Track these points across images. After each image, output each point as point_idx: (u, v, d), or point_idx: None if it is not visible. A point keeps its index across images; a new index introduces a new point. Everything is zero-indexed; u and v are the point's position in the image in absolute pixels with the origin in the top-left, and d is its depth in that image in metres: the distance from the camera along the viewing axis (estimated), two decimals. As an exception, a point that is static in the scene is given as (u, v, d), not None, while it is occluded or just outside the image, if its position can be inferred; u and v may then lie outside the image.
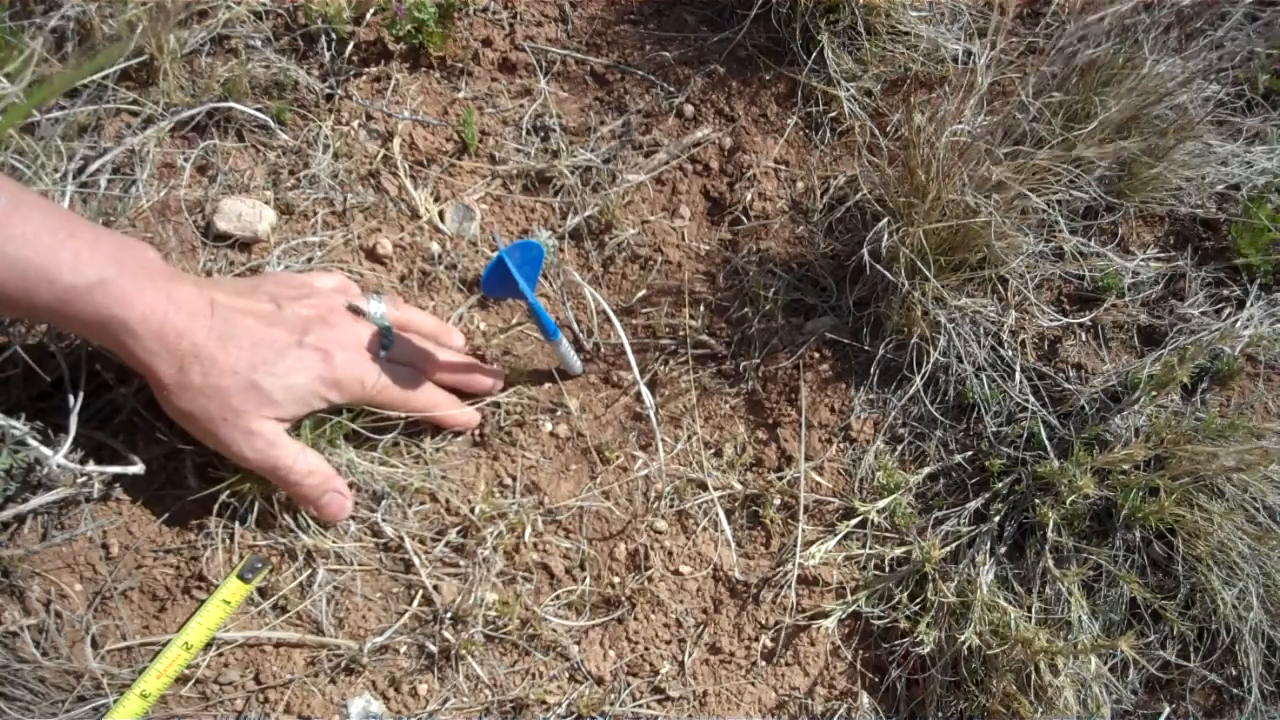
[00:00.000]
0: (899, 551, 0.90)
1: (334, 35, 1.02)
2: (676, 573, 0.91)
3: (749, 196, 1.01)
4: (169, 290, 0.75)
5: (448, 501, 0.90)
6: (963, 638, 0.83)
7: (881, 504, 0.91)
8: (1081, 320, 0.96)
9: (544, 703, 0.85)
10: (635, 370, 0.90)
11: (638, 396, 0.97)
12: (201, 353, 0.75)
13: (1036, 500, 0.88)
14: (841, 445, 0.95)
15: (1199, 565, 0.85)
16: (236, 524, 0.85)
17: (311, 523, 0.86)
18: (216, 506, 0.84)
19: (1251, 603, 0.84)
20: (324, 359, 0.80)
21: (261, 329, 0.78)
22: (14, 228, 0.68)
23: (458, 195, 1.01)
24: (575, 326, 0.97)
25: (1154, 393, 0.90)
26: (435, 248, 0.99)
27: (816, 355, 0.96)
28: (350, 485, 0.86)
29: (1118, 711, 0.87)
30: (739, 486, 0.93)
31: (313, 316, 0.81)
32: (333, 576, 0.86)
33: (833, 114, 1.03)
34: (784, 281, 0.98)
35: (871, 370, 0.95)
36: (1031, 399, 0.93)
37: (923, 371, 0.93)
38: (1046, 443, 0.90)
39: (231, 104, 0.97)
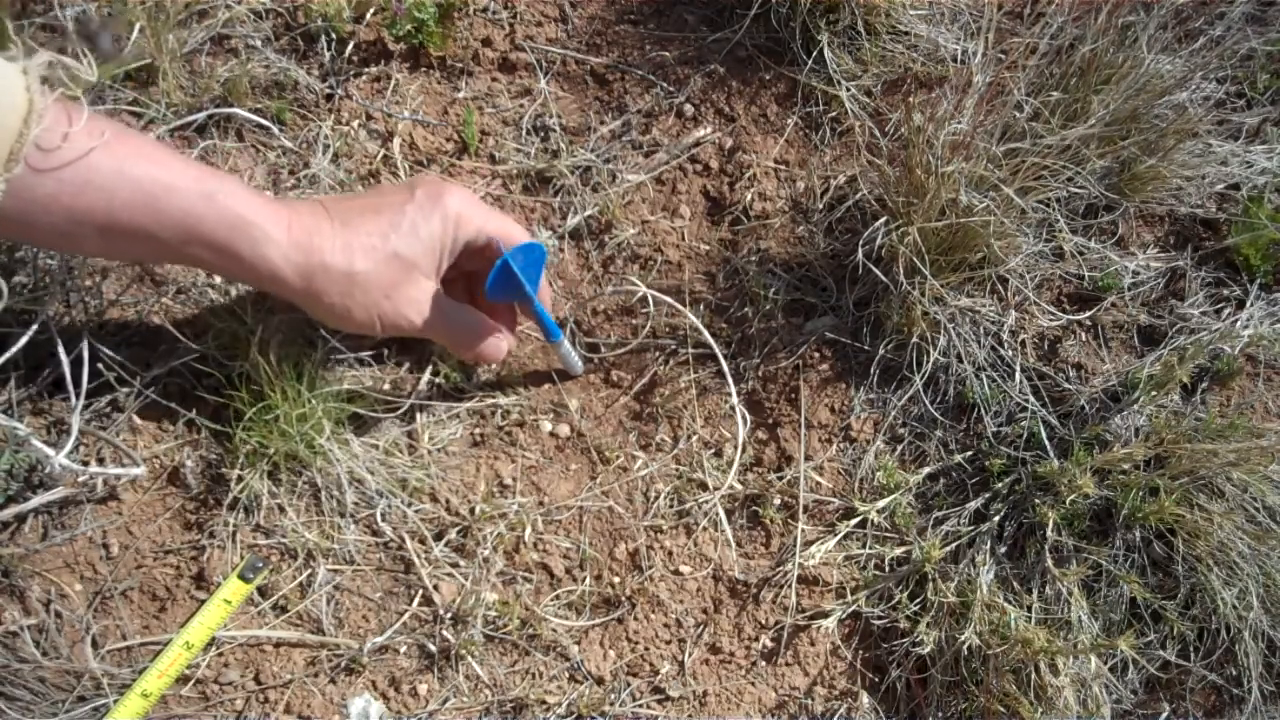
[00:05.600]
0: (899, 551, 0.90)
1: (334, 35, 1.02)
2: (676, 573, 0.91)
3: (749, 196, 1.01)
4: (284, 200, 0.75)
5: (448, 501, 0.90)
6: (963, 638, 0.83)
7: (881, 504, 0.91)
8: (1081, 320, 0.96)
9: (544, 703, 0.85)
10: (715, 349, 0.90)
11: (638, 396, 0.97)
12: (338, 237, 0.75)
13: (1036, 500, 0.88)
14: (841, 445, 0.95)
15: (1199, 565, 0.85)
16: (237, 523, 0.85)
17: (311, 523, 0.87)
18: (228, 501, 0.85)
19: (1251, 603, 0.84)
20: (437, 200, 0.79)
21: (373, 199, 0.79)
22: (128, 151, 0.68)
23: (458, 195, 1.01)
24: (576, 327, 0.97)
25: (1154, 392, 0.90)
26: (435, 248, 0.99)
27: (816, 355, 0.96)
28: (350, 483, 0.87)
29: (1118, 711, 0.87)
30: (739, 486, 0.93)
31: (415, 179, 0.83)
32: (333, 576, 0.86)
33: (833, 114, 1.03)
34: (784, 281, 0.98)
35: (871, 370, 0.95)
36: (1031, 399, 0.93)
37: (923, 371, 0.93)
38: (1046, 443, 0.90)
39: (234, 109, 0.97)
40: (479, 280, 0.85)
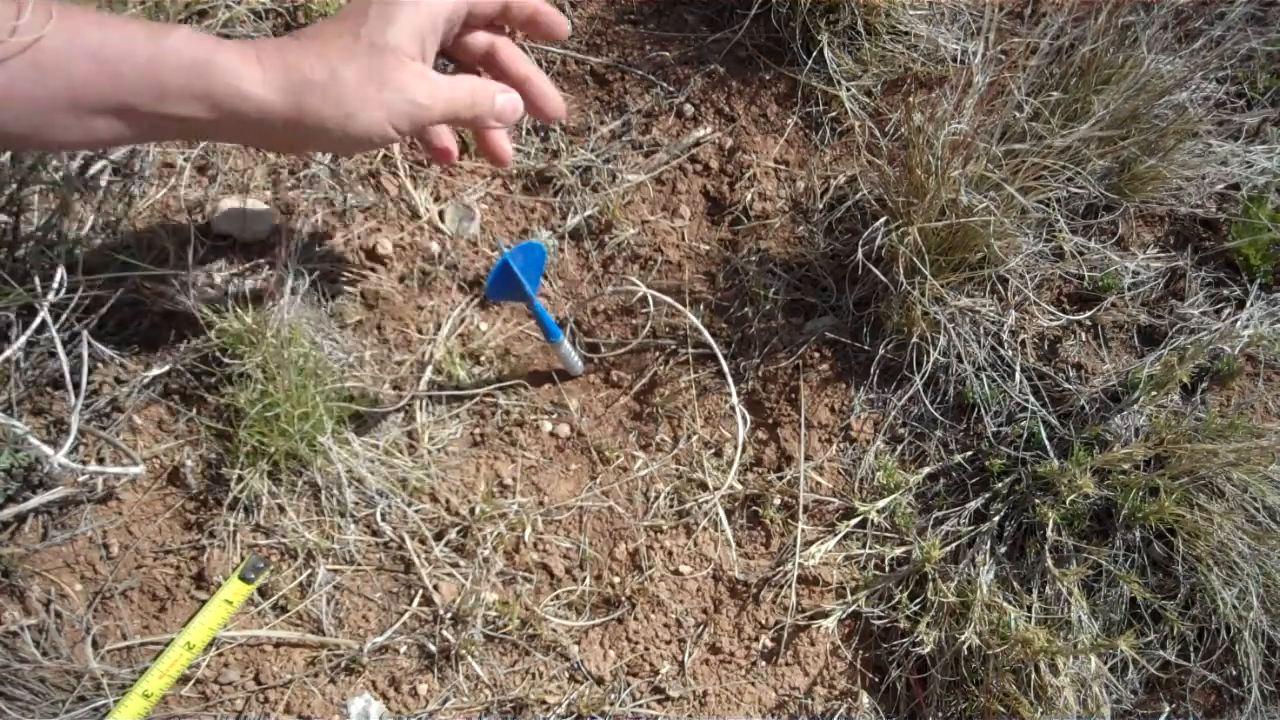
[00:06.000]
0: (899, 551, 0.90)
1: (334, 35, 1.02)
2: (676, 573, 0.91)
3: (749, 196, 1.01)
4: (242, 39, 0.69)
5: (448, 501, 0.90)
6: (963, 638, 0.83)
7: (881, 504, 0.91)
8: (1081, 320, 0.96)
9: (544, 703, 0.85)
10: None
11: (638, 396, 0.97)
12: (309, 49, 0.69)
13: (1036, 500, 0.88)
14: (841, 445, 0.95)
15: (1199, 565, 0.85)
16: (237, 523, 0.85)
17: (311, 522, 0.87)
18: (229, 501, 0.85)
19: (1251, 603, 0.84)
20: None
21: (335, 15, 0.73)
22: (75, 22, 0.64)
23: (458, 195, 1.01)
24: (576, 327, 0.97)
25: (1154, 392, 0.90)
26: (435, 247, 0.99)
27: (816, 355, 0.96)
28: (350, 483, 0.87)
29: (1118, 711, 0.87)
30: (739, 486, 0.93)
31: None
32: (333, 576, 0.86)
33: (833, 114, 1.03)
34: (784, 281, 0.98)
35: (871, 370, 0.95)
36: (1031, 399, 0.93)
37: (923, 371, 0.93)
38: (1046, 443, 0.90)
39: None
40: (493, 63, 0.79)
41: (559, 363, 0.95)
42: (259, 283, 0.93)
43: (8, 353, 0.81)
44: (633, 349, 0.98)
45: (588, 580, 0.89)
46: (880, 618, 0.89)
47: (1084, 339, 0.96)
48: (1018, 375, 0.93)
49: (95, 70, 0.65)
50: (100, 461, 0.85)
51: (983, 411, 0.93)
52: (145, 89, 0.66)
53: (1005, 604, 0.85)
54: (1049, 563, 0.86)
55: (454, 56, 0.79)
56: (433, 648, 0.85)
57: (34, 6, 0.63)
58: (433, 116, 0.73)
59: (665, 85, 1.06)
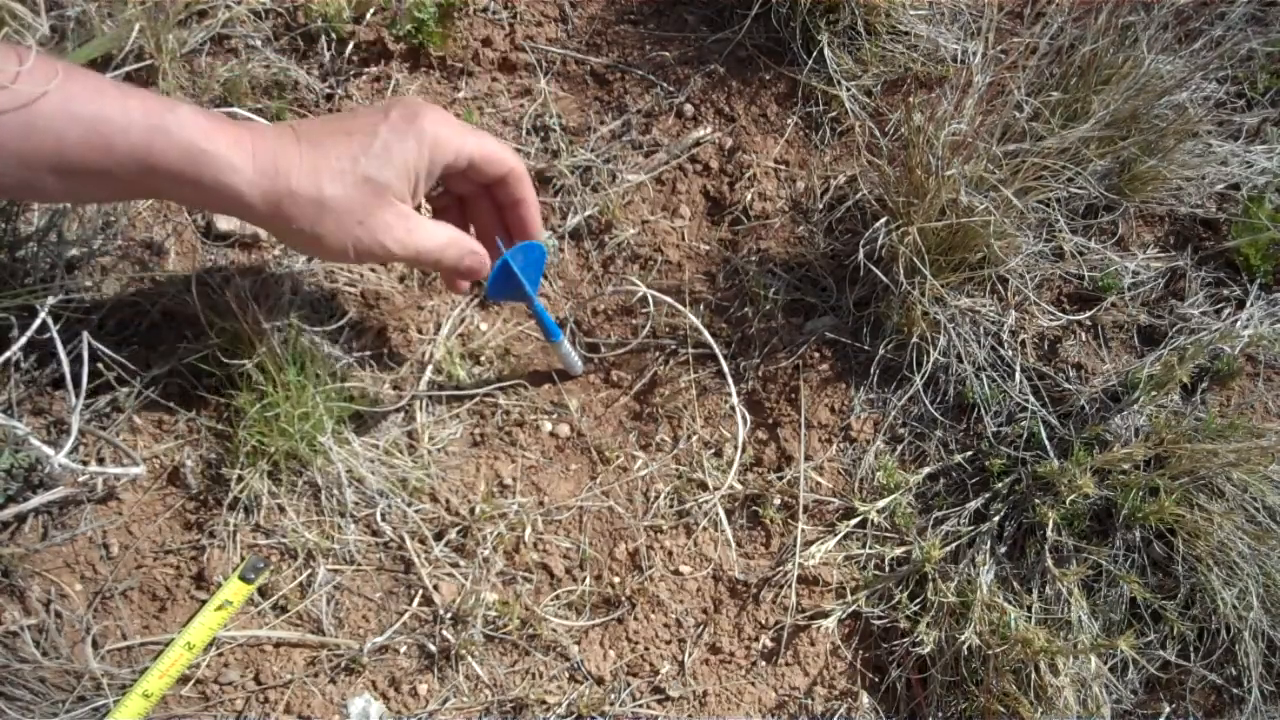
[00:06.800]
0: (899, 551, 0.90)
1: (334, 35, 1.02)
2: (676, 573, 0.91)
3: (749, 196, 1.01)
4: (246, 125, 0.72)
5: (448, 501, 0.90)
6: (963, 638, 0.83)
7: (881, 504, 0.91)
8: (1081, 320, 0.96)
9: (544, 703, 0.85)
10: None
11: (638, 396, 0.97)
12: (305, 159, 0.71)
13: (1036, 500, 0.88)
14: (841, 445, 0.95)
15: (1199, 565, 0.85)
16: (237, 523, 0.85)
17: (311, 522, 0.87)
18: (229, 501, 0.85)
19: (1251, 603, 0.84)
20: (411, 121, 0.75)
21: (345, 121, 0.75)
22: (77, 90, 0.65)
23: (458, 195, 1.01)
24: (576, 327, 0.97)
25: (1154, 392, 0.90)
26: (435, 248, 0.99)
27: (816, 355, 0.96)
28: (350, 483, 0.87)
29: (1118, 711, 0.87)
30: (739, 486, 0.93)
31: (391, 100, 0.79)
32: (333, 576, 0.86)
33: (833, 114, 1.03)
34: (784, 281, 0.98)
35: (871, 370, 0.95)
36: (1031, 399, 0.93)
37: (923, 371, 0.93)
38: (1046, 443, 0.90)
39: (234, 109, 0.97)
40: (472, 205, 0.83)
41: (559, 363, 0.95)
42: (259, 282, 0.93)
43: (8, 353, 0.81)
44: (633, 349, 0.98)
45: (588, 580, 0.89)
46: (880, 618, 0.89)
47: (1084, 339, 0.96)
48: (1018, 375, 0.93)
49: (87, 139, 0.66)
50: (100, 462, 0.85)
51: (983, 411, 0.93)
52: (134, 166, 0.68)
53: (1005, 604, 0.85)
54: (1049, 563, 0.86)
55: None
56: (433, 648, 0.85)
57: (39, 61, 0.64)
58: (399, 259, 0.77)
59: (665, 85, 1.06)
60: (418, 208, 0.78)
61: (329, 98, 1.02)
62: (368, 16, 1.03)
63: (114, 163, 0.67)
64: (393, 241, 0.75)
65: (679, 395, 0.96)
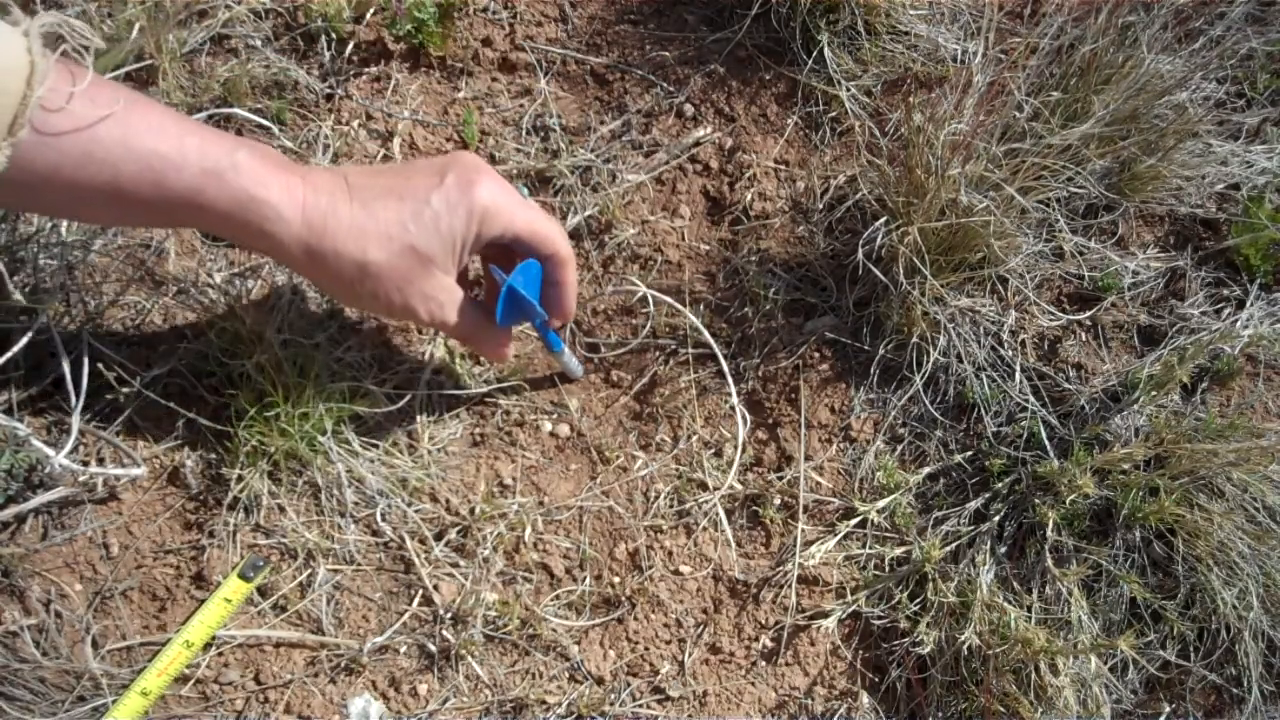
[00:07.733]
0: (899, 551, 0.90)
1: (334, 35, 1.02)
2: (676, 573, 0.91)
3: (749, 196, 1.01)
4: (302, 172, 0.72)
5: (448, 501, 0.90)
6: (963, 638, 0.83)
7: (881, 504, 0.91)
8: (1081, 320, 0.96)
9: (544, 703, 0.85)
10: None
11: (638, 396, 0.97)
12: (355, 219, 0.72)
13: (1036, 500, 0.88)
14: (841, 445, 0.95)
15: (1199, 565, 0.85)
16: (237, 523, 0.85)
17: (311, 522, 0.87)
18: (228, 501, 0.85)
19: (1251, 603, 0.84)
20: (465, 190, 0.75)
21: (399, 181, 0.75)
22: (136, 122, 0.66)
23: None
24: (576, 327, 0.97)
25: (1154, 392, 0.90)
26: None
27: (816, 355, 0.96)
28: (350, 483, 0.87)
29: (1118, 711, 0.87)
30: (739, 486, 0.93)
31: (449, 160, 0.78)
32: (333, 576, 0.86)
33: (833, 114, 1.03)
34: (784, 281, 0.98)
35: (871, 370, 0.95)
36: (1031, 399, 0.93)
37: (923, 371, 0.93)
38: (1046, 443, 0.90)
39: (234, 109, 0.97)
40: (496, 262, 0.83)
41: (560, 368, 0.95)
42: (259, 282, 0.93)
43: (9, 354, 0.81)
44: (633, 349, 0.98)
45: (588, 580, 0.89)
46: (880, 618, 0.89)
47: (1084, 339, 0.96)
48: (1018, 375, 0.93)
49: (141, 175, 0.67)
50: (100, 462, 0.85)
51: (983, 411, 0.93)
52: (185, 204, 0.69)
53: (1005, 604, 0.85)
54: (1049, 563, 0.86)
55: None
56: (433, 648, 0.85)
57: (102, 86, 0.65)
58: (428, 326, 0.78)
59: (665, 85, 1.06)
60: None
61: (329, 98, 1.02)
62: (368, 16, 1.03)
63: (165, 199, 0.68)
64: (425, 312, 0.77)
65: (679, 395, 0.96)
